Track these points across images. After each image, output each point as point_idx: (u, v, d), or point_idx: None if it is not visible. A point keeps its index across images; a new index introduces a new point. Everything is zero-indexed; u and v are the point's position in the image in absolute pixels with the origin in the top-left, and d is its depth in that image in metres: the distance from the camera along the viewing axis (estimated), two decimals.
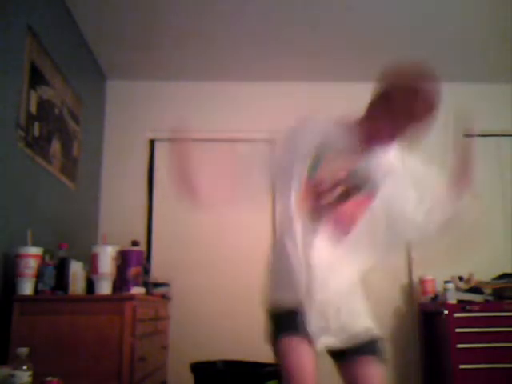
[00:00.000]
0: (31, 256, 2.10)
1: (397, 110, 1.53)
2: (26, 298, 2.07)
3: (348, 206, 1.57)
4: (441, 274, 3.48)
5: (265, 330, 1.61)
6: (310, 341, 1.52)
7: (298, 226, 1.55)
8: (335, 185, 1.57)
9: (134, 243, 2.83)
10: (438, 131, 4.27)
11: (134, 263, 2.60)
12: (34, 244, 2.18)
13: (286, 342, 1.50)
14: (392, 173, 1.62)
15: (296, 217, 1.56)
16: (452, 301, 3.16)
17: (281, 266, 1.61)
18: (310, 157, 1.58)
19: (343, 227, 1.58)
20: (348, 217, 1.58)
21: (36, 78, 2.51)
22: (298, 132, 1.70)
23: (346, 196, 1.57)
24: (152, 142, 3.91)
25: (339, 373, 1.64)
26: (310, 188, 1.57)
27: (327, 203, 1.57)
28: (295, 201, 1.57)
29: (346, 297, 1.61)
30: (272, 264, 1.67)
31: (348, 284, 1.62)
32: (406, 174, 1.65)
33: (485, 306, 3.13)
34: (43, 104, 2.60)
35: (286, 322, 1.54)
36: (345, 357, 1.60)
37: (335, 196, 1.56)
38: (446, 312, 3.09)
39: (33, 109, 2.46)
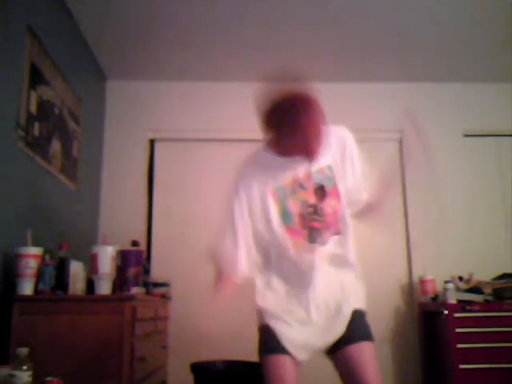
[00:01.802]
0: (31, 256, 2.10)
1: (289, 126, 1.55)
2: (26, 298, 2.07)
3: (328, 210, 1.66)
4: (441, 274, 3.48)
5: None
6: (292, 357, 1.59)
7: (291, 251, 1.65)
8: (314, 200, 1.65)
9: (134, 243, 2.83)
10: (438, 132, 4.26)
11: (134, 263, 2.60)
12: (34, 244, 2.18)
13: (268, 360, 1.59)
14: (335, 158, 1.70)
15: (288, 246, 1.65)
16: (452, 301, 3.16)
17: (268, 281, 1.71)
18: (274, 210, 1.65)
19: (333, 227, 1.67)
20: (333, 218, 1.67)
21: (36, 78, 2.51)
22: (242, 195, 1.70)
23: (321, 206, 1.65)
24: (152, 142, 3.91)
25: (334, 366, 1.65)
26: (293, 227, 1.64)
27: (320, 216, 1.65)
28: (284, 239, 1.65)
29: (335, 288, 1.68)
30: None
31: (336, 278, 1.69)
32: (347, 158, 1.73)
33: (485, 306, 3.13)
34: (43, 104, 2.60)
35: (268, 338, 1.62)
36: (336, 349, 1.63)
37: (317, 212, 1.65)
38: (446, 312, 3.09)
39: (33, 109, 2.46)
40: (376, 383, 1.54)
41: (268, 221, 1.65)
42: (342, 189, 1.68)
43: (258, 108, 1.62)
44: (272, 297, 1.68)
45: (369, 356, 1.59)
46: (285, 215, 1.65)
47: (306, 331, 1.62)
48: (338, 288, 1.67)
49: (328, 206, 1.66)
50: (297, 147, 1.60)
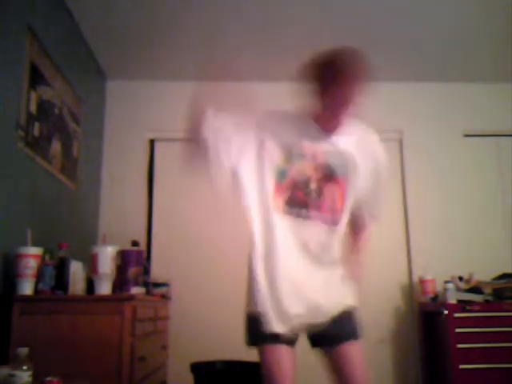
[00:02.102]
0: (31, 256, 2.10)
1: (334, 76, 1.58)
2: (26, 298, 2.07)
3: (327, 194, 1.64)
4: (441, 274, 3.48)
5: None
6: (290, 341, 1.58)
7: (279, 221, 1.62)
8: (313, 175, 1.64)
9: (134, 243, 2.83)
10: (438, 132, 4.27)
11: (134, 263, 2.60)
12: (34, 244, 2.18)
13: (265, 350, 1.58)
14: (357, 155, 1.70)
15: (274, 213, 1.63)
16: (452, 301, 3.16)
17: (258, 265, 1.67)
18: (276, 162, 1.64)
19: (330, 216, 1.65)
20: (330, 205, 1.65)
21: (36, 78, 2.51)
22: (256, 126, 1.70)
23: (324, 181, 1.65)
24: (152, 142, 3.91)
25: (325, 363, 1.66)
26: (284, 186, 1.63)
27: (310, 193, 1.64)
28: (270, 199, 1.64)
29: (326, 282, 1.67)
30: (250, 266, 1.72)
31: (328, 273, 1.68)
32: (368, 160, 1.74)
33: (485, 306, 3.13)
34: (43, 104, 2.60)
35: (258, 327, 1.60)
36: (326, 345, 1.64)
37: (312, 189, 1.64)
38: (446, 312, 3.09)
39: (33, 109, 2.46)
40: (365, 380, 1.60)
41: (266, 164, 1.64)
42: (351, 185, 1.67)
43: (312, 58, 1.66)
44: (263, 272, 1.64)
45: (359, 355, 1.62)
46: (282, 171, 1.64)
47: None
48: (325, 281, 1.65)
49: (328, 190, 1.64)
50: (331, 106, 1.60)
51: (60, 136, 2.85)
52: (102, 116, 3.82)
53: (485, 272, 3.44)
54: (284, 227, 1.62)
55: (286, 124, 1.70)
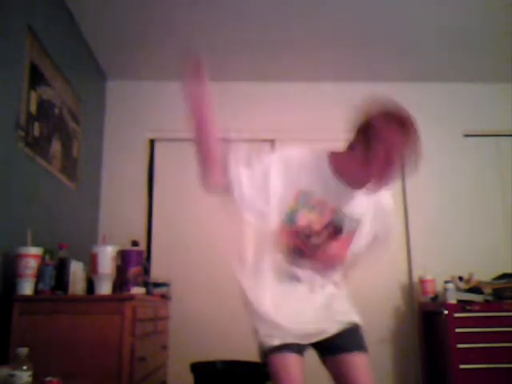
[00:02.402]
0: (31, 256, 2.10)
1: (382, 138, 1.47)
2: (26, 298, 2.07)
3: (333, 247, 1.62)
4: (441, 274, 3.48)
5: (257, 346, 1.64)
6: (297, 350, 1.57)
7: (278, 257, 1.62)
8: (319, 230, 1.60)
9: (134, 243, 2.83)
10: (438, 132, 4.27)
11: (134, 263, 2.59)
12: (34, 244, 2.18)
13: (273, 358, 1.55)
14: (370, 212, 1.67)
15: (274, 249, 1.62)
16: (452, 301, 3.16)
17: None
18: (288, 206, 1.59)
19: (330, 266, 1.66)
20: (334, 257, 1.64)
21: (36, 78, 2.51)
22: (277, 169, 1.61)
23: (329, 238, 1.61)
24: (152, 142, 3.91)
25: (325, 367, 1.66)
26: (289, 231, 1.60)
27: (311, 245, 1.61)
28: (274, 234, 1.61)
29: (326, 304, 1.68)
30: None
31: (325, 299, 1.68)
32: (376, 210, 1.69)
33: (485, 306, 3.13)
34: (43, 104, 2.60)
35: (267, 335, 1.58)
36: (331, 354, 1.63)
37: (320, 239, 1.60)
38: (446, 312, 3.09)
39: (33, 109, 2.46)
40: None
41: (276, 207, 1.58)
42: (354, 243, 1.65)
43: (365, 107, 1.56)
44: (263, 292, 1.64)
45: (365, 365, 1.61)
46: (291, 216, 1.59)
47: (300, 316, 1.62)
48: (325, 305, 1.66)
49: (331, 247, 1.62)
50: (367, 167, 1.50)
51: (60, 136, 2.85)
52: (102, 116, 3.82)
53: (485, 272, 3.44)
54: (279, 264, 1.63)
55: (305, 171, 1.60)
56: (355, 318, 1.67)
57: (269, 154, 1.67)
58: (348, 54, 3.56)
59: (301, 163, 1.61)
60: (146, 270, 2.98)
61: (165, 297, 3.23)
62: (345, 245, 1.64)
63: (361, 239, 1.67)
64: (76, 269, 2.29)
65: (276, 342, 1.55)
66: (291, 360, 1.54)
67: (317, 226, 1.60)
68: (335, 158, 1.61)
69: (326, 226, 1.60)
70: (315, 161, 1.61)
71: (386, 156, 1.47)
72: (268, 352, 1.56)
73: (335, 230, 1.61)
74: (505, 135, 3.97)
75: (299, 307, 1.62)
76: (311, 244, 1.61)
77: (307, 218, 1.59)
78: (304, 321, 1.60)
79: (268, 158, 1.64)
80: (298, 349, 1.58)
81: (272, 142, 3.90)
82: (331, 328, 1.61)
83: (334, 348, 1.62)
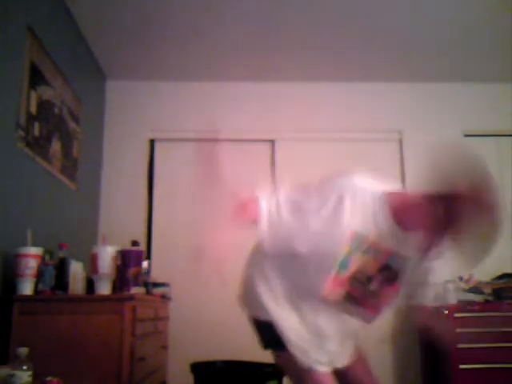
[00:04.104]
0: (31, 256, 2.10)
1: (463, 219, 1.32)
2: (26, 298, 2.07)
3: (383, 298, 1.53)
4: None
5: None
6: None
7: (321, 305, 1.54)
8: (374, 275, 1.48)
9: (134, 243, 2.82)
10: (438, 132, 4.27)
11: (134, 263, 2.59)
12: (34, 244, 2.18)
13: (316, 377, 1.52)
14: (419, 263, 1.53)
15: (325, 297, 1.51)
16: (452, 301, 3.15)
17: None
18: (340, 250, 1.44)
19: (376, 312, 1.58)
20: (382, 309, 1.57)
21: (36, 78, 2.51)
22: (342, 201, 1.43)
23: (380, 289, 1.51)
24: (152, 142, 3.91)
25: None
26: (340, 278, 1.47)
27: (363, 295, 1.52)
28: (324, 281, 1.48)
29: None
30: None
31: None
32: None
33: (485, 305, 3.13)
34: (43, 104, 2.60)
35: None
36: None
37: (372, 290, 1.51)
38: (446, 312, 3.09)
39: (33, 109, 2.46)
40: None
41: (329, 250, 1.43)
42: (404, 290, 1.54)
43: (452, 170, 1.37)
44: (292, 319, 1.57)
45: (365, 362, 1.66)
46: (343, 261, 1.45)
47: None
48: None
49: (385, 294, 1.51)
50: (437, 235, 1.36)
51: (60, 136, 2.85)
52: (102, 116, 3.82)
53: (485, 272, 3.44)
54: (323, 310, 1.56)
55: (360, 211, 1.43)
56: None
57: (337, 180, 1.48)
58: (348, 54, 3.56)
59: (358, 201, 1.42)
60: (146, 270, 2.98)
61: (165, 297, 3.23)
62: (397, 291, 1.52)
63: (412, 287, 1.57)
64: (76, 269, 2.29)
65: (321, 368, 1.53)
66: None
67: (371, 271, 1.47)
68: (395, 199, 1.44)
69: (381, 270, 1.48)
70: (369, 196, 1.44)
71: (460, 237, 1.34)
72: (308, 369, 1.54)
73: (391, 276, 1.49)
74: (505, 135, 3.97)
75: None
76: (369, 291, 1.50)
77: (361, 263, 1.46)
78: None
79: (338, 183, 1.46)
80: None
81: (272, 142, 3.90)
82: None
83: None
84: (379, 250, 1.45)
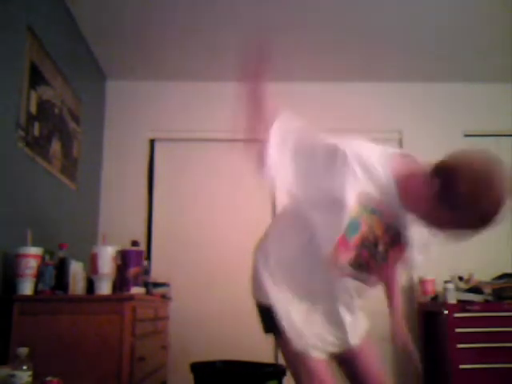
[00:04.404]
0: (31, 256, 2.10)
1: (464, 206, 1.27)
2: (26, 298, 2.07)
3: (390, 260, 1.53)
4: (441, 274, 3.48)
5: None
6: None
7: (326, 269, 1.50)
8: (381, 235, 1.46)
9: (134, 243, 2.83)
10: (438, 132, 4.27)
11: (134, 263, 2.59)
12: (34, 244, 2.18)
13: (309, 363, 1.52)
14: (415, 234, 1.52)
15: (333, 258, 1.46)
16: (452, 301, 3.16)
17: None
18: (351, 211, 1.39)
19: (383, 281, 1.61)
20: (390, 272, 1.60)
21: (36, 78, 2.51)
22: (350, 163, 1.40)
23: (387, 250, 1.50)
24: (152, 142, 3.91)
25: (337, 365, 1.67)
26: (350, 245, 1.44)
27: (370, 258, 1.50)
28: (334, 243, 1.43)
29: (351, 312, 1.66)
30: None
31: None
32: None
33: (485, 305, 3.13)
34: (43, 104, 2.60)
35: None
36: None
37: (379, 251, 1.49)
38: (446, 312, 3.09)
39: (33, 109, 2.46)
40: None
41: (336, 209, 1.38)
42: (408, 254, 1.54)
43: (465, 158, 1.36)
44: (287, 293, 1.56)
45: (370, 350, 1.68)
46: (353, 223, 1.40)
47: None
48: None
49: (392, 256, 1.50)
50: (442, 221, 1.35)
51: (60, 136, 2.85)
52: (102, 116, 3.82)
53: (485, 272, 3.44)
54: (328, 275, 1.52)
55: (366, 173, 1.41)
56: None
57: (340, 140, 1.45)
58: (348, 54, 3.56)
59: (370, 165, 1.41)
60: (146, 270, 2.98)
61: (165, 297, 3.23)
62: (403, 253, 1.52)
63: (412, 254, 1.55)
64: (76, 269, 2.29)
65: (315, 353, 1.53)
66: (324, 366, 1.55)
67: (379, 231, 1.45)
68: (401, 167, 1.46)
69: (388, 231, 1.46)
70: (382, 170, 1.43)
71: (459, 221, 1.31)
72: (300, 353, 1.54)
73: (396, 236, 1.48)
74: (505, 135, 3.97)
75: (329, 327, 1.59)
76: (376, 254, 1.47)
77: (370, 224, 1.43)
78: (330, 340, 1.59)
79: (343, 144, 1.43)
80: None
81: None
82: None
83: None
84: (383, 210, 1.43)
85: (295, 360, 1.54)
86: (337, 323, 1.60)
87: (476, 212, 1.27)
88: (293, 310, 1.54)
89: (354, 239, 1.42)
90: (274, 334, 1.59)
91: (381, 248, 1.47)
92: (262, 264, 1.61)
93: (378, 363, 1.61)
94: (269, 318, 1.57)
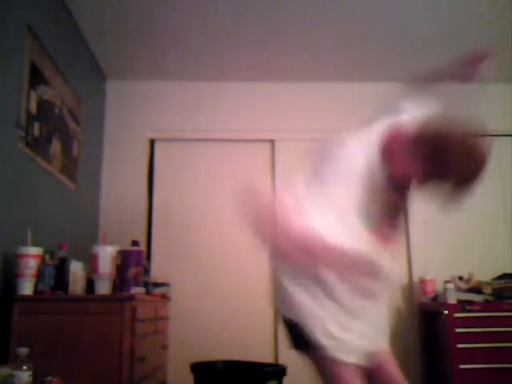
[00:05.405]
0: (31, 256, 2.10)
1: (443, 163, 1.41)
2: (26, 298, 2.07)
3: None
4: (441, 274, 3.48)
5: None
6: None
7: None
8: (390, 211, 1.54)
9: (134, 243, 2.83)
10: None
11: (134, 263, 2.59)
12: (34, 244, 2.18)
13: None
14: None
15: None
16: (452, 301, 3.16)
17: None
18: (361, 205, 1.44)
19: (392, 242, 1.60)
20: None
21: (36, 77, 2.51)
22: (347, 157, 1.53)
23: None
24: (152, 142, 3.91)
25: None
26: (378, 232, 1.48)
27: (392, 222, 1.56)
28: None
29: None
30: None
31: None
32: None
33: (485, 305, 3.13)
34: (43, 104, 2.60)
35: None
36: None
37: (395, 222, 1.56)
38: (446, 312, 3.09)
39: (33, 109, 2.46)
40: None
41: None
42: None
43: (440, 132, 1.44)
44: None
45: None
46: (364, 219, 1.45)
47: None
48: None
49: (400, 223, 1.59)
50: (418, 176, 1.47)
51: (60, 136, 2.85)
52: (102, 116, 3.82)
53: (485, 272, 3.44)
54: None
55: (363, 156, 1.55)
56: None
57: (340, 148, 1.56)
58: (348, 54, 3.56)
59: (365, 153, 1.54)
60: (146, 270, 2.98)
61: (165, 297, 3.23)
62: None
63: None
64: (76, 269, 2.29)
65: (350, 359, 1.47)
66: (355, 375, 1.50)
67: (391, 198, 1.55)
68: (388, 139, 1.54)
69: (390, 202, 1.55)
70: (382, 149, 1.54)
71: (441, 178, 1.44)
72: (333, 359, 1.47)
73: (395, 203, 1.58)
74: (505, 135, 3.97)
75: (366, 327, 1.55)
76: (398, 214, 1.56)
77: (377, 202, 1.49)
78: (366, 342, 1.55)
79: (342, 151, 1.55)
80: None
81: (272, 142, 3.90)
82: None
83: None
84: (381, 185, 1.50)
85: (325, 368, 1.48)
86: (375, 324, 1.58)
87: (463, 179, 1.41)
88: (330, 321, 1.47)
89: (375, 223, 1.45)
90: (304, 349, 1.53)
91: (396, 218, 1.57)
92: (283, 273, 1.51)
93: (401, 375, 1.59)
94: (297, 334, 1.50)
